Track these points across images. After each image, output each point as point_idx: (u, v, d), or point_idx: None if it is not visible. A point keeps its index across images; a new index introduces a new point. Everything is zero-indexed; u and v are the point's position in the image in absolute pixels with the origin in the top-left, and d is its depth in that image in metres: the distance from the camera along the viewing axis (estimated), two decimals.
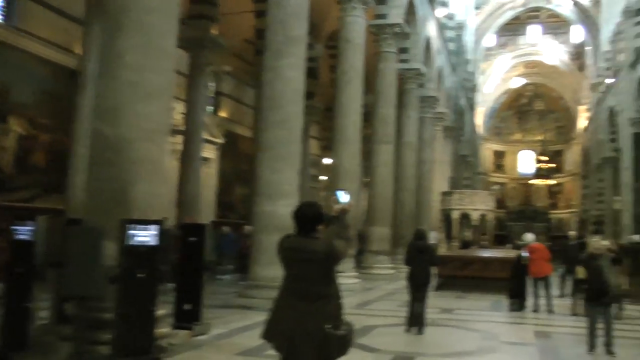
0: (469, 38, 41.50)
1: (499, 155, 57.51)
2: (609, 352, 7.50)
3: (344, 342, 3.67)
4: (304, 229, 3.80)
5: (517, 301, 11.61)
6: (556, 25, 48.64)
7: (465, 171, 41.23)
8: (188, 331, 7.16)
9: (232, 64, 20.80)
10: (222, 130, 20.72)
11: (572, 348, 8.01)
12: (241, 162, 21.61)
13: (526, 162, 57.16)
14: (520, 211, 52.18)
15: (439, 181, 29.57)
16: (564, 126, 55.64)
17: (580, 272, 9.26)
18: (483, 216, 30.66)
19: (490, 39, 48.98)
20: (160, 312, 6.32)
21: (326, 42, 22.23)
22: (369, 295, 13.23)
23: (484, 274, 14.71)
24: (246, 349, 6.91)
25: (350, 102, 14.54)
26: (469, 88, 42.31)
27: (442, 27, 28.77)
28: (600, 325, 7.62)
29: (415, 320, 8.67)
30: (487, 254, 17.63)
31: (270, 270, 10.05)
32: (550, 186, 53.86)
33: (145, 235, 5.65)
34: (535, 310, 11.47)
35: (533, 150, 56.13)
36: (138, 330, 5.57)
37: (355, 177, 14.78)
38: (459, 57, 36.91)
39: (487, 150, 56.17)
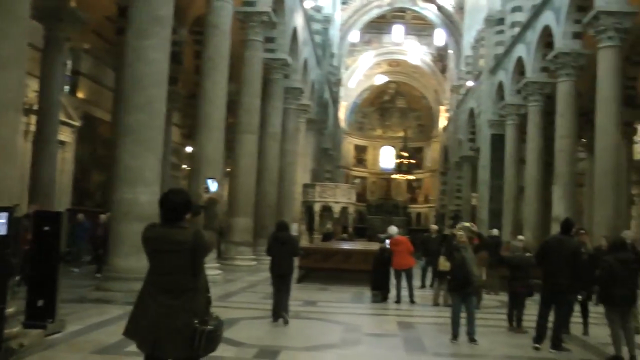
0: (334, 32, 42.52)
1: (360, 149, 59.59)
2: (471, 340, 7.94)
3: (213, 338, 3.56)
4: (170, 218, 3.63)
5: (380, 293, 12.08)
6: (421, 27, 51.05)
7: (327, 164, 42.37)
8: (41, 330, 6.71)
9: (91, 41, 19.79)
10: (79, 112, 19.68)
11: (435, 338, 8.37)
12: (99, 147, 20.69)
13: (387, 157, 59.80)
14: (381, 205, 54.48)
15: (302, 173, 30.14)
16: (424, 125, 58.81)
17: (443, 264, 9.83)
18: (344, 209, 31.75)
19: (355, 35, 50.41)
20: (10, 309, 5.95)
21: (191, 27, 21.81)
22: (232, 287, 13.25)
23: (346, 266, 15.24)
24: (104, 346, 6.65)
25: (215, 89, 14.40)
26: (333, 82, 43.34)
27: (309, 19, 29.24)
28: (463, 315, 8.04)
29: (280, 312, 8.98)
30: (348, 246, 18.25)
31: (130, 261, 9.83)
32: (410, 181, 56.80)
33: None
34: (398, 302, 11.99)
35: (394, 146, 58.84)
36: None
37: (219, 167, 14.69)
38: (325, 51, 37.75)
39: (349, 144, 58.01)
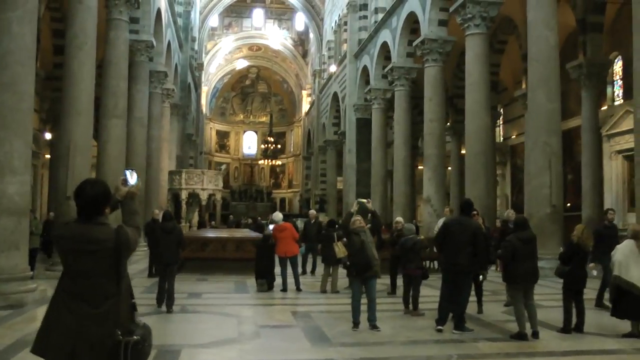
0: (195, 16, 41.32)
1: (222, 135, 58.84)
2: (373, 327, 7.72)
3: (141, 350, 3.10)
4: (87, 213, 3.14)
5: (265, 281, 11.71)
6: (281, 11, 51.14)
7: (191, 151, 41.26)
8: None
9: None
10: None
11: (335, 326, 8.03)
12: None
13: (250, 143, 59.56)
14: (244, 191, 54.23)
15: (167, 160, 29.03)
16: (286, 109, 59.16)
17: (340, 249, 9.57)
18: (211, 196, 31.07)
19: (215, 19, 49.34)
20: None
21: (48, 3, 20.06)
22: None
23: (224, 255, 14.81)
24: None
25: (82, 71, 13.25)
26: (195, 67, 42.21)
27: (172, 0, 28.10)
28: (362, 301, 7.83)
29: (167, 299, 9.13)
30: (224, 234, 17.78)
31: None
32: (273, 166, 56.93)
33: None
34: (284, 290, 11.66)
35: (256, 131, 58.71)
36: None
37: (87, 154, 13.58)
38: (187, 34, 36.54)
39: (211, 130, 57.05)
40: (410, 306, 9.09)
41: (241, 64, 56.46)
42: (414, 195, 26.16)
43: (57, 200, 13.86)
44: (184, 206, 29.66)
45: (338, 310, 9.24)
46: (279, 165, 56.81)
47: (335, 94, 36.19)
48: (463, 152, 29.90)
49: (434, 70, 20.48)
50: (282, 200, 57.04)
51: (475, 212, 8.96)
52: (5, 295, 8.80)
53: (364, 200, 9.46)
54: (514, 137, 28.21)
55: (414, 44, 21.34)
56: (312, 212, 17.47)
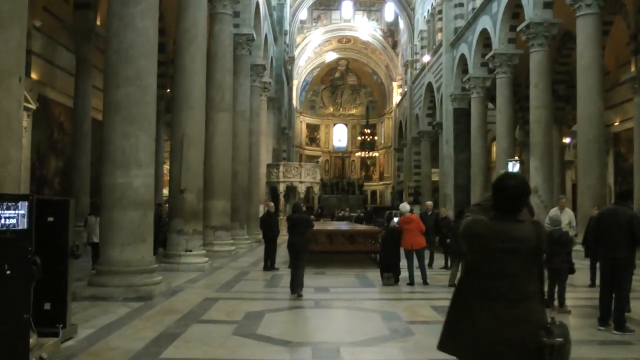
0: (286, 9, 41.43)
1: (312, 128, 58.98)
2: None
3: (564, 352, 2.90)
4: (508, 210, 2.97)
5: (392, 275, 11.27)
6: (370, 2, 50.60)
7: (284, 144, 41.53)
8: (56, 339, 5.64)
9: (42, 19, 18.18)
10: (34, 94, 18.09)
11: None
12: (56, 131, 19.11)
13: (339, 135, 59.45)
14: (336, 184, 54.06)
15: (265, 153, 29.23)
16: (376, 101, 58.56)
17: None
18: (309, 189, 31.05)
19: (304, 12, 49.38)
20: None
21: None
22: (224, 276, 12.31)
23: (340, 248, 14.58)
24: (133, 354, 5.63)
25: (194, 64, 13.33)
26: (287, 60, 42.36)
27: None
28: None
29: (297, 285, 9.70)
30: (334, 227, 17.59)
31: (127, 253, 8.87)
32: (363, 159, 56.59)
33: (12, 216, 4.27)
34: (411, 284, 11.25)
35: (346, 124, 58.53)
36: (8, 347, 4.22)
37: (201, 146, 13.67)
38: (280, 27, 36.68)
39: (301, 123, 57.27)
40: (556, 302, 8.44)
41: (330, 57, 56.28)
42: None
43: (171, 193, 13.98)
44: (281, 199, 29.75)
45: None
46: (370, 157, 56.35)
47: (429, 85, 35.33)
48: (565, 140, 28.71)
49: (539, 55, 19.41)
50: (374, 192, 56.62)
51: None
52: (135, 287, 8.82)
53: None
54: (617, 124, 26.47)
55: (518, 28, 20.36)
56: (429, 203, 16.89)
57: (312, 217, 30.00)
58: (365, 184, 56.07)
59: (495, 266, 2.95)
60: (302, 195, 30.86)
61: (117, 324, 7.01)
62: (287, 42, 41.96)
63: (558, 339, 2.83)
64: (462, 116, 28.47)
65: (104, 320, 7.22)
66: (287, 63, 41.50)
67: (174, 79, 13.88)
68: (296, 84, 52.85)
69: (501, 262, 2.93)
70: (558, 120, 25.65)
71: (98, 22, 19.38)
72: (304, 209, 12.07)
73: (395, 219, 12.08)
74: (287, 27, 41.58)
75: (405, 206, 12.41)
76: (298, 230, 10.29)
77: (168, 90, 23.23)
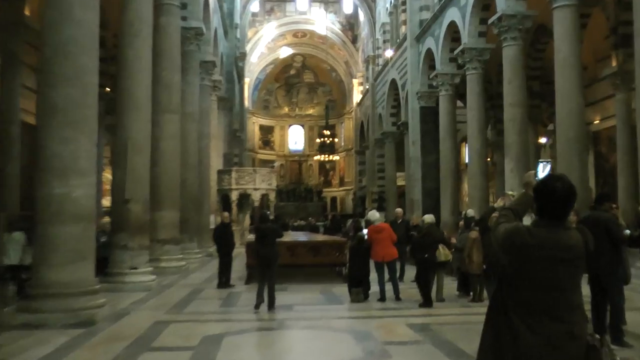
0: (237, 1, 41.21)
1: (266, 130, 58.80)
2: None
3: None
4: (560, 215, 2.98)
5: (360, 290, 11.12)
6: None
7: (236, 147, 41.24)
8: None
9: None
10: None
11: (469, 340, 7.21)
12: None
13: (296, 137, 59.46)
14: (292, 190, 53.87)
15: (215, 158, 28.94)
16: (335, 100, 58.72)
17: (443, 253, 9.11)
18: (264, 196, 30.85)
19: (255, 4, 49.10)
20: None
21: None
22: (174, 295, 12.03)
23: (301, 261, 14.43)
24: None
25: (140, 62, 13.03)
26: (238, 56, 42.10)
27: None
28: None
29: (269, 299, 10.09)
30: (303, 238, 17.49)
31: (65, 273, 8.53)
32: (322, 163, 56.64)
33: None
34: (382, 299, 11.15)
35: (303, 125, 58.58)
36: None
37: (147, 151, 13.38)
38: (231, 20, 36.44)
39: (254, 125, 57.02)
40: None
41: (285, 52, 56.17)
42: (489, 189, 25.48)
43: (114, 204, 13.64)
44: (234, 208, 29.48)
45: (459, 321, 8.70)
46: (329, 161, 56.45)
47: (393, 82, 35.50)
48: (541, 140, 29.27)
49: (513, 50, 19.63)
50: (334, 199, 56.77)
51: (615, 206, 8.22)
52: (75, 312, 8.49)
53: (511, 193, 8.70)
54: (597, 122, 27.12)
55: (489, 21, 20.54)
56: (399, 210, 16.81)
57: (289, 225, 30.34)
58: (324, 190, 56.18)
59: (541, 278, 2.94)
60: (256, 204, 30.65)
61: (55, 355, 6.72)
62: (238, 36, 41.71)
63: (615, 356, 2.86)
64: (429, 115, 28.61)
65: (40, 351, 6.92)
66: (238, 59, 41.23)
67: (117, 77, 13.57)
68: (248, 82, 52.47)
69: (549, 274, 2.93)
70: (533, 118, 26.09)
71: (27, 12, 18.82)
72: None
73: (365, 231, 11.95)
74: (237, 20, 41.36)
75: (374, 214, 12.37)
76: (268, 241, 10.56)
77: (108, 89, 22.76)
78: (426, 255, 10.84)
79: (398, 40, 34.73)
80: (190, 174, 20.76)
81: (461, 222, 14.43)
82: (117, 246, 12.79)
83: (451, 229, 20.96)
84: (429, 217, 12.11)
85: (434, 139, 27.70)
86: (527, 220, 3.24)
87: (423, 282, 10.69)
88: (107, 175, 28.22)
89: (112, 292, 11.42)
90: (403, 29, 33.23)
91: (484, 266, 9.93)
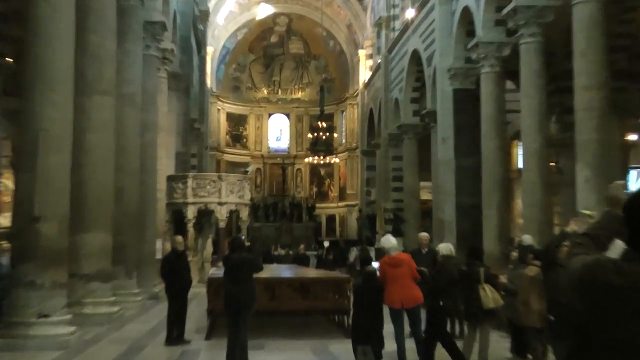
0: None
1: (236, 120, 59.08)
2: None
3: None
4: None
5: (369, 349, 10.84)
6: None
7: (194, 145, 41.15)
8: None
9: None
10: None
11: None
12: None
13: (278, 131, 59.63)
14: (273, 205, 54.05)
15: (164, 159, 28.80)
16: (333, 80, 59.03)
17: (490, 295, 8.97)
18: (233, 213, 30.72)
19: None
20: None
21: None
22: (101, 355, 11.90)
23: (285, 306, 14.35)
24: None
25: (56, 20, 12.94)
26: (198, 16, 42.09)
27: None
28: None
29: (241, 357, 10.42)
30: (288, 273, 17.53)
31: None
32: (315, 167, 56.78)
33: None
34: None
35: (288, 114, 58.71)
36: None
37: (67, 149, 13.27)
38: None
39: (219, 112, 57.12)
40: None
41: (264, 12, 56.21)
42: (554, 207, 25.36)
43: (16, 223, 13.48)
44: (190, 230, 29.24)
45: None
46: (325, 165, 56.54)
47: (415, 54, 35.48)
48: (630, 137, 29.14)
49: (588, 9, 19.50)
50: (331, 218, 56.90)
51: None
52: None
53: (588, 213, 8.56)
54: None
55: None
56: (424, 235, 16.72)
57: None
58: (318, 205, 56.21)
59: (635, 335, 2.87)
60: (222, 224, 30.51)
61: None
62: None
63: None
64: (466, 102, 28.60)
65: None
66: (198, 21, 41.22)
67: (23, 43, 13.43)
68: (212, 53, 52.58)
69: None
70: (618, 107, 25.83)
71: None
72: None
73: (375, 264, 11.88)
74: None
75: (389, 240, 12.35)
76: (241, 277, 10.85)
77: (10, 60, 22.64)
78: (441, 303, 10.80)
79: None
80: (129, 182, 20.63)
81: (513, 254, 14.31)
82: (19, 283, 12.60)
83: (498, 263, 20.78)
84: (444, 247, 12.28)
85: (472, 135, 27.62)
86: (613, 252, 3.19)
87: (441, 340, 10.61)
88: (7, 181, 28.08)
89: (10, 351, 11.24)
90: None
91: (549, 317, 9.80)
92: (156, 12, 24.36)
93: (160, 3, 25.02)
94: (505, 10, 23.73)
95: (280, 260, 33.94)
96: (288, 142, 59.74)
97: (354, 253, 31.59)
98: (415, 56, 35.45)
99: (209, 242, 31.42)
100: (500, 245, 24.28)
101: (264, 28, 57.94)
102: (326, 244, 39.40)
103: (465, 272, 11.80)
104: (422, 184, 36.25)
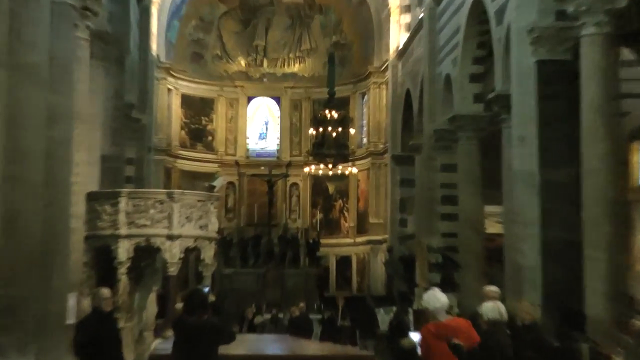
0: None
1: (197, 106, 59.31)
2: None
3: None
4: None
5: None
6: None
7: (130, 144, 41.20)
8: None
9: None
10: None
11: None
12: None
13: (261, 123, 59.69)
14: (254, 241, 53.96)
15: (85, 167, 28.84)
16: (349, 45, 59.08)
17: None
18: (190, 252, 30.66)
19: None
20: None
21: None
22: None
23: None
24: None
25: None
26: None
27: None
28: None
29: None
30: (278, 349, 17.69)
31: None
32: (320, 180, 56.76)
33: None
34: None
35: (278, 97, 58.84)
36: None
37: None
38: None
39: (171, 94, 57.17)
40: None
41: None
42: None
43: None
44: (123, 280, 29.20)
45: None
46: (336, 178, 56.54)
47: (477, 4, 35.54)
48: None
49: None
50: (344, 261, 56.90)
51: None
52: None
53: None
54: None
55: None
56: (492, 289, 16.77)
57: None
58: (324, 241, 56.19)
59: None
60: (173, 270, 30.38)
61: None
62: None
63: None
64: (558, 80, 28.60)
65: None
66: None
67: None
68: (159, 1, 52.49)
69: None
70: None
71: None
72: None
73: (415, 336, 11.93)
74: None
75: (436, 298, 12.50)
76: (200, 351, 11.33)
77: None
78: None
79: None
80: (27, 201, 20.66)
81: (636, 323, 14.29)
82: None
83: (610, 336, 20.74)
84: (491, 309, 12.54)
85: (567, 132, 27.64)
86: None
87: None
88: None
89: None
90: None
91: None
92: None
93: None
94: None
95: (264, 327, 33.79)
96: (278, 141, 60.05)
97: (381, 317, 31.60)
98: (478, 8, 35.51)
99: (152, 298, 31.34)
100: (612, 306, 24.27)
101: None
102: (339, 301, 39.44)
103: (559, 351, 11.82)
104: (488, 208, 36.24)
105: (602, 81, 25.76)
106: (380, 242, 53.73)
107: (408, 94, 48.12)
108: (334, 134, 52.75)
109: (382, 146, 54.84)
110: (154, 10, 50.66)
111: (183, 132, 58.18)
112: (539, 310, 19.81)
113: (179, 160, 56.61)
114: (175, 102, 57.52)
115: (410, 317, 23.01)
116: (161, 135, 53.54)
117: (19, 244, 19.80)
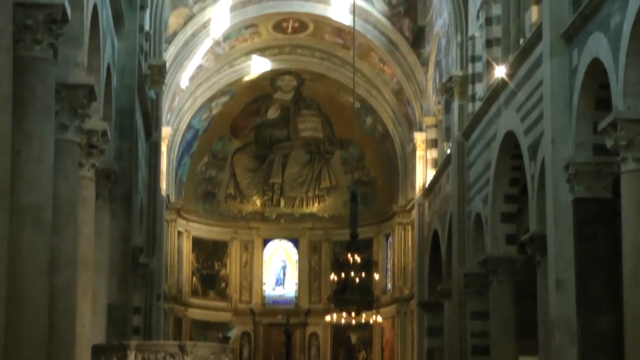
0: None
1: (209, 250, 59.18)
2: None
3: None
4: None
5: None
6: None
7: (139, 292, 41.11)
8: None
9: None
10: None
11: None
12: None
13: (278, 268, 59.45)
14: None
15: (89, 316, 28.83)
16: (372, 182, 59.14)
17: None
18: None
19: None
20: None
21: None
22: None
23: None
24: None
25: None
26: (148, 74, 42.51)
27: None
28: None
29: None
30: None
31: None
32: (342, 330, 56.51)
33: None
34: None
35: (296, 239, 58.61)
36: None
37: None
38: None
39: (181, 237, 57.04)
40: None
41: (258, 67, 56.90)
42: None
43: None
44: None
45: None
46: (356, 328, 56.06)
47: (509, 138, 35.65)
48: None
49: None
50: None
51: None
52: None
53: None
54: None
55: None
56: None
57: None
58: None
59: None
60: None
61: None
62: (149, 26, 42.25)
63: None
64: (596, 219, 28.50)
65: None
66: (147, 84, 41.61)
67: None
68: (169, 136, 52.45)
69: None
70: None
71: None
72: None
73: None
74: None
75: None
76: None
77: None
78: None
79: (521, 41, 35.09)
80: (28, 355, 20.55)
81: None
82: None
83: None
84: None
85: (607, 276, 27.50)
86: None
87: None
88: None
89: None
90: (534, 14, 33.65)
91: None
92: (78, 68, 24.58)
93: (84, 53, 25.25)
94: None
95: None
96: (296, 287, 59.92)
97: None
98: (511, 143, 35.63)
99: None
100: None
101: (258, 94, 58.92)
102: None
103: None
104: None
105: None
106: None
107: (436, 234, 48.16)
108: (357, 279, 52.53)
109: (408, 292, 54.72)
110: (164, 147, 50.65)
111: (194, 278, 58.17)
112: None
113: (190, 309, 56.46)
114: (186, 245, 57.62)
115: None
116: (170, 282, 53.48)
117: None
